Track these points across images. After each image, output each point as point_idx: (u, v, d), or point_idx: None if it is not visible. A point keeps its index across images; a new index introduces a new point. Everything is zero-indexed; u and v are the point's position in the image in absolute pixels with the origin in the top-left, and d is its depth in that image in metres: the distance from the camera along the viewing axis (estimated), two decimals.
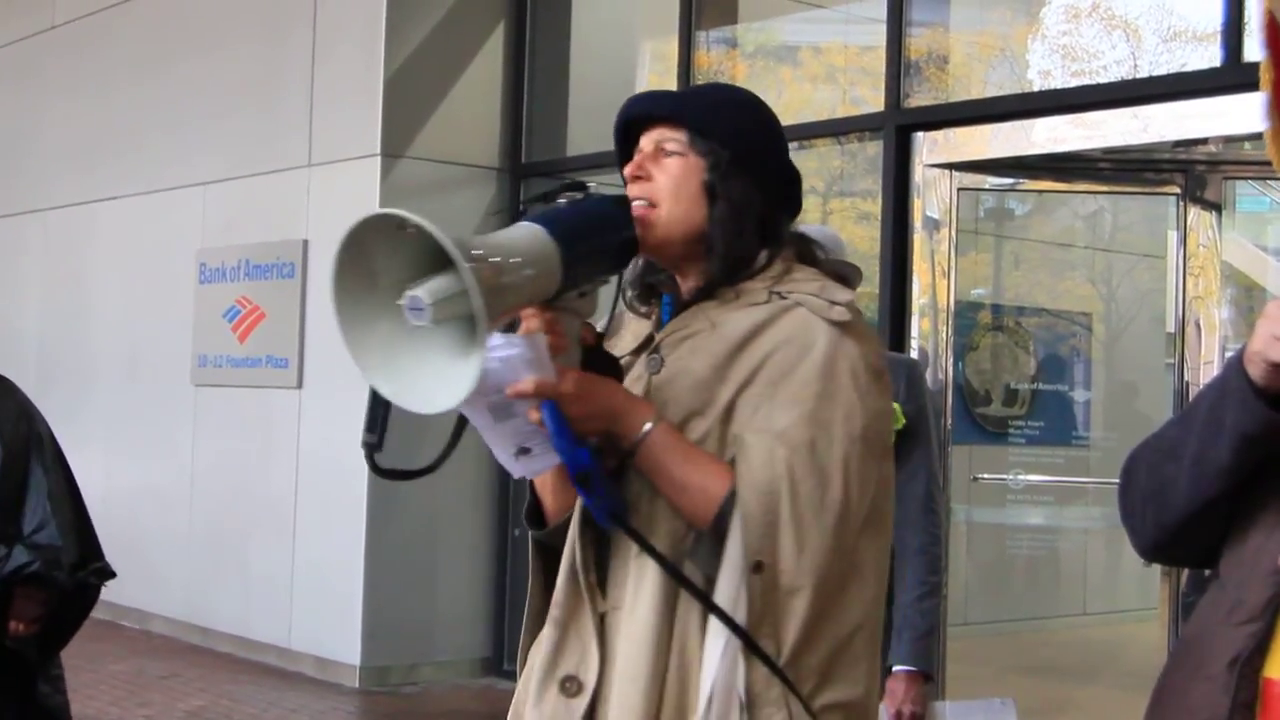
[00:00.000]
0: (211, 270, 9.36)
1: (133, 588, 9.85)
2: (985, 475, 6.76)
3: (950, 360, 6.53)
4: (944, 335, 6.50)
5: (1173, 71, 6.91)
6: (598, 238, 2.15)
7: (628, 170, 2.28)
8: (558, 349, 2.09)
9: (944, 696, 5.90)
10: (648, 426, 2.12)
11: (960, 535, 6.95)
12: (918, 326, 6.55)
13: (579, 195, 2.22)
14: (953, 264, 6.54)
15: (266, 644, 8.73)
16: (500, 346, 2.05)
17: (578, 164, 8.62)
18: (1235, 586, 1.97)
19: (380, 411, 2.14)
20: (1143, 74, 7.22)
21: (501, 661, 8.51)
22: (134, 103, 10.24)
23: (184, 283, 9.57)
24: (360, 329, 1.97)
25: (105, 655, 8.84)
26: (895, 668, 3.68)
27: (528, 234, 2.07)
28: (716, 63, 8.58)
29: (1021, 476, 6.68)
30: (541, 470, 2.19)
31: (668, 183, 2.25)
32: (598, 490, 2.08)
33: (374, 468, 2.16)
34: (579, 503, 2.21)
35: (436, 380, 1.96)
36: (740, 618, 2.07)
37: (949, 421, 6.44)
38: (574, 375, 2.07)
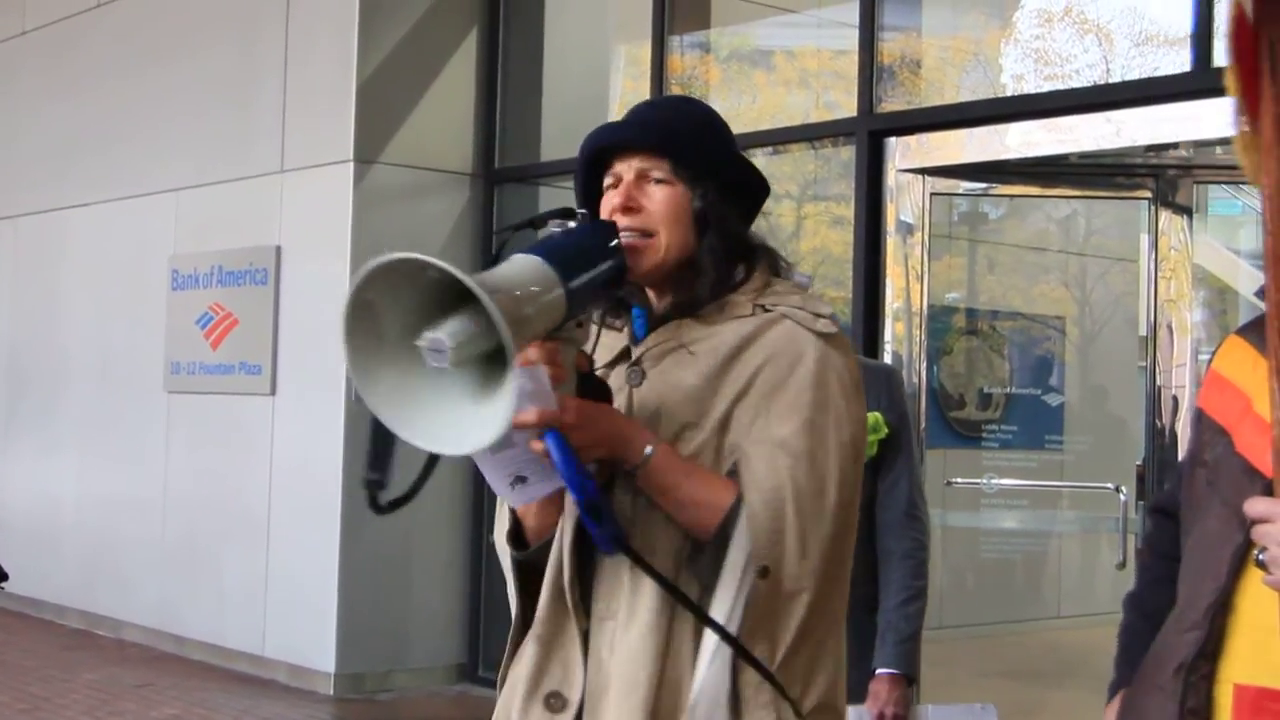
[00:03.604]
0: (184, 277, 9.33)
1: (106, 596, 9.83)
2: (959, 479, 6.77)
3: (924, 364, 6.54)
4: (918, 339, 6.52)
5: (1144, 76, 6.93)
6: (593, 267, 2.15)
7: (618, 200, 2.29)
8: (558, 379, 2.09)
9: (920, 700, 5.90)
10: (649, 450, 2.15)
11: (935, 539, 6.91)
12: (891, 331, 6.56)
13: (570, 223, 2.22)
14: (926, 268, 6.55)
15: (240, 652, 8.70)
16: None
17: (551, 169, 8.62)
18: (1184, 597, 2.00)
19: (385, 449, 2.11)
20: (1115, 78, 7.24)
21: (476, 668, 8.50)
22: (106, 109, 10.20)
23: (156, 289, 9.54)
24: (372, 375, 1.97)
25: (79, 664, 8.80)
26: (878, 670, 3.70)
27: (531, 266, 2.04)
28: (690, 67, 8.59)
29: (995, 480, 6.70)
30: (536, 498, 2.21)
31: (662, 212, 2.28)
32: (606, 519, 2.08)
33: (375, 506, 2.14)
34: (565, 522, 2.25)
35: (460, 420, 1.95)
36: (734, 624, 2.12)
37: (923, 425, 6.45)
38: (575, 404, 2.08)
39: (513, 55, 8.81)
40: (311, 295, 8.42)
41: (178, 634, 9.20)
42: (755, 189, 2.39)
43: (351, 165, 8.24)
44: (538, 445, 2.06)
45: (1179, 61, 6.45)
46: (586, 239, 2.19)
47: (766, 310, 2.27)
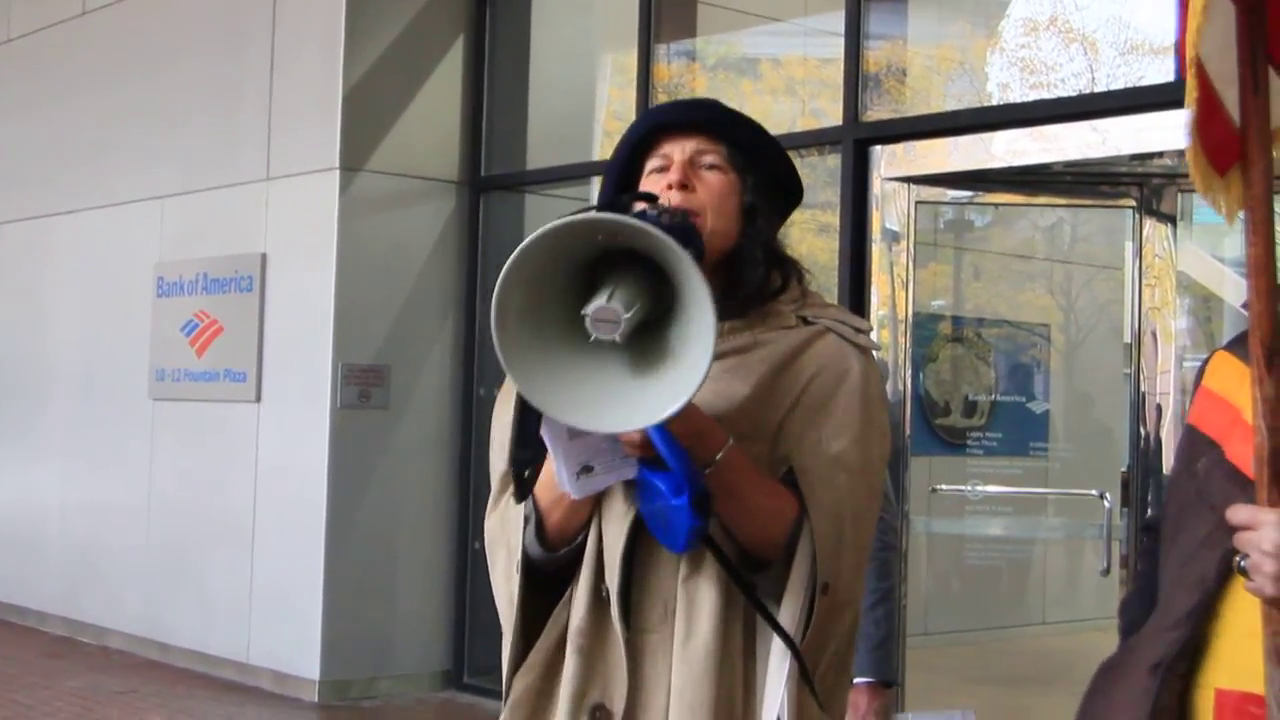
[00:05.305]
0: (169, 284, 9.31)
1: (90, 603, 9.81)
2: (944, 486, 6.78)
3: (909, 371, 6.55)
4: (903, 347, 6.52)
5: (1129, 85, 6.95)
6: (693, 250, 2.05)
7: (675, 177, 2.22)
8: None
9: (904, 707, 5.91)
10: (725, 448, 2.09)
11: (920, 546, 6.96)
12: (877, 337, 6.57)
13: (653, 206, 2.14)
14: (911, 276, 6.56)
15: (225, 659, 8.68)
16: None
17: (537, 177, 8.64)
18: (1166, 596, 2.02)
19: (533, 429, 2.05)
20: (1100, 87, 7.25)
21: (461, 674, 8.49)
22: (91, 116, 10.18)
23: (141, 296, 9.52)
24: (523, 358, 1.89)
25: (62, 672, 8.77)
26: (855, 680, 3.68)
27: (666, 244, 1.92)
28: (676, 75, 8.59)
29: (980, 487, 6.70)
30: (597, 489, 2.12)
31: (711, 197, 2.23)
32: (710, 513, 2.04)
33: (521, 485, 2.12)
34: (611, 526, 2.17)
35: (626, 397, 1.90)
36: (798, 639, 2.11)
37: (909, 433, 6.46)
38: None
39: (499, 63, 8.82)
40: (297, 303, 8.41)
41: (162, 641, 9.18)
42: (793, 191, 2.37)
43: (337, 173, 8.23)
44: (635, 436, 2.00)
45: (1164, 71, 6.47)
46: (679, 221, 2.11)
47: (809, 322, 2.26)
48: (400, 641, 8.41)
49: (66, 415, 10.20)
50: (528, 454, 2.08)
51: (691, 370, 1.85)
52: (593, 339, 1.87)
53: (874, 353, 2.29)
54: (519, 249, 1.82)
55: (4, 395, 10.90)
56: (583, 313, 1.86)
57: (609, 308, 1.85)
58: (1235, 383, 2.00)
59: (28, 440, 10.63)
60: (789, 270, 2.31)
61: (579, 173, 8.61)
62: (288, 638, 8.31)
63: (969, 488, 6.69)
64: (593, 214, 1.86)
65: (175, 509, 9.17)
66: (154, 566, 9.28)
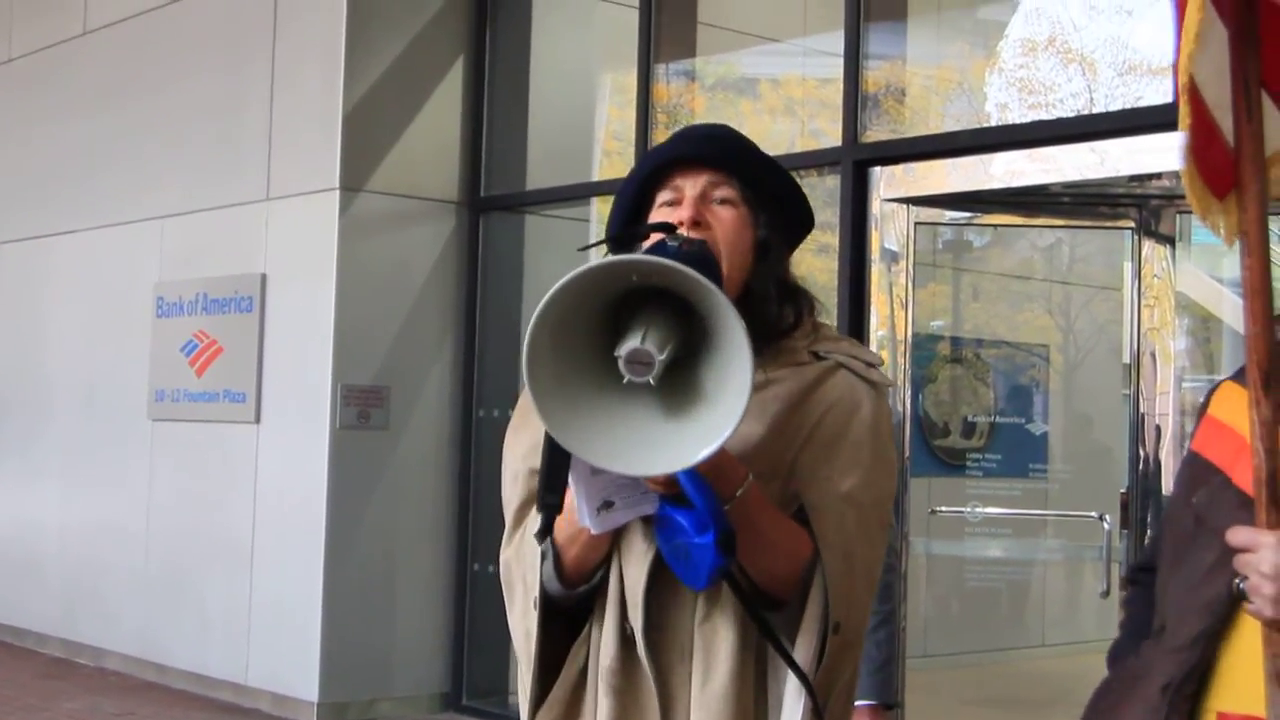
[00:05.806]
0: (169, 304, 9.32)
1: (88, 624, 9.79)
2: (943, 508, 6.77)
3: (908, 393, 6.54)
4: (902, 367, 6.52)
5: (1128, 106, 6.96)
6: (715, 281, 2.00)
7: (688, 214, 2.19)
8: None
9: None
10: (745, 485, 2.06)
11: (919, 567, 6.95)
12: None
13: (672, 237, 2.09)
14: (910, 296, 6.56)
15: (223, 680, 8.66)
16: None
17: (537, 198, 8.64)
18: (1171, 621, 2.02)
19: (561, 472, 2.00)
20: (1099, 108, 7.27)
21: (460, 696, 8.47)
22: (91, 136, 10.19)
23: (141, 316, 9.52)
24: (555, 402, 1.85)
25: (60, 693, 8.76)
26: (857, 703, 3.68)
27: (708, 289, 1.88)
28: (675, 95, 8.60)
29: (979, 509, 6.70)
30: (617, 525, 2.09)
31: (726, 234, 2.20)
32: (734, 552, 1.99)
33: (548, 529, 2.07)
34: (633, 564, 2.16)
35: (662, 440, 1.86)
36: (811, 677, 2.10)
37: (908, 454, 6.46)
38: None
39: (498, 83, 8.83)
40: (297, 323, 8.41)
41: (160, 663, 9.16)
42: (803, 223, 2.34)
43: (337, 193, 8.24)
44: (660, 474, 1.95)
45: (1162, 92, 6.48)
46: (697, 250, 2.06)
47: (820, 358, 2.24)
48: (399, 663, 8.39)
49: (65, 435, 10.19)
50: (556, 499, 2.02)
51: (727, 411, 1.82)
52: (625, 381, 1.83)
53: (887, 387, 2.28)
54: (553, 291, 1.79)
55: (3, 415, 10.90)
56: (616, 354, 1.82)
57: (643, 349, 1.81)
58: (1242, 411, 2.00)
59: (26, 460, 10.62)
60: (801, 305, 2.28)
61: (579, 193, 8.62)
62: (286, 659, 8.29)
63: (968, 509, 6.68)
64: (633, 255, 1.84)
65: (174, 530, 9.16)
66: (152, 587, 9.26)
